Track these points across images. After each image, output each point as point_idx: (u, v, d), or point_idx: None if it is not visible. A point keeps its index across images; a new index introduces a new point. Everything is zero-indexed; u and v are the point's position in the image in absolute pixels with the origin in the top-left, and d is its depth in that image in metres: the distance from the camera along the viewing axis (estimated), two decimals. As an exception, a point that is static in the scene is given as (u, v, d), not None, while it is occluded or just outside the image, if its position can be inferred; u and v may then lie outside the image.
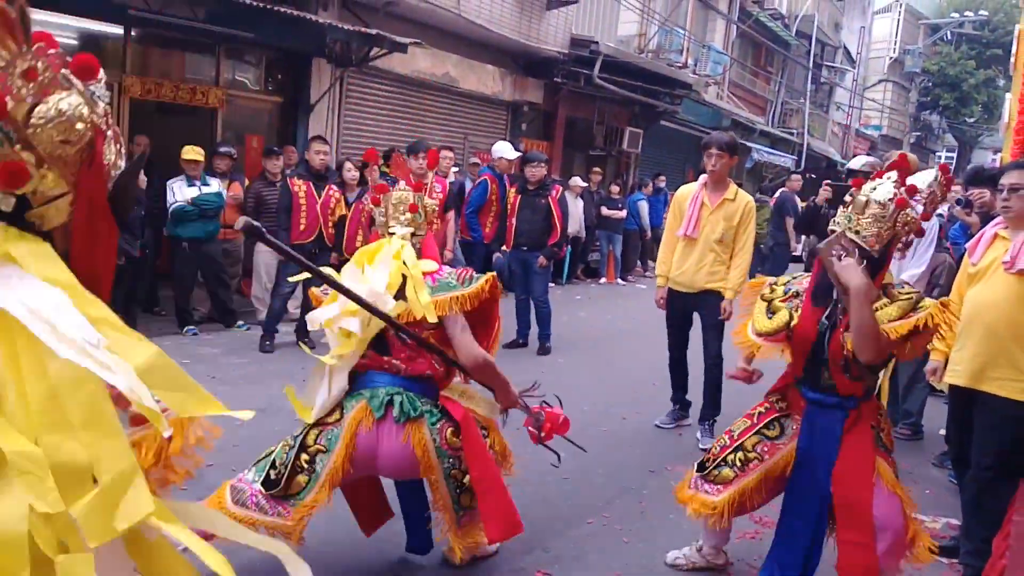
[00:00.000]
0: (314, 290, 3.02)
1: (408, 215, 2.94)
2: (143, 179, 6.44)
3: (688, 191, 4.91)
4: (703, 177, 4.86)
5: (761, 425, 3.03)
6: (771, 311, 2.95)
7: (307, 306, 4.61)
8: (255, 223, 2.27)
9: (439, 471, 2.78)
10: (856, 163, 5.38)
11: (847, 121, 29.55)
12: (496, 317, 3.08)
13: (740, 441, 3.02)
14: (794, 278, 3.09)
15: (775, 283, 3.06)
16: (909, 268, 4.56)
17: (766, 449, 2.97)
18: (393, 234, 2.92)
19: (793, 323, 2.85)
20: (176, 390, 1.12)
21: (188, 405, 1.13)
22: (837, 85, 28.21)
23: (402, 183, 3.01)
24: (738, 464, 2.98)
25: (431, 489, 2.86)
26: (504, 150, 7.73)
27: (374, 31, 8.69)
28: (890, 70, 32.52)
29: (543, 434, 3.08)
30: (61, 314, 1.05)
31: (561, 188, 7.32)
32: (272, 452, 2.78)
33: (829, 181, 5.18)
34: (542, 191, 6.86)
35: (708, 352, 4.91)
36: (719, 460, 3.02)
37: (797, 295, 2.94)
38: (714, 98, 18.43)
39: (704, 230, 4.74)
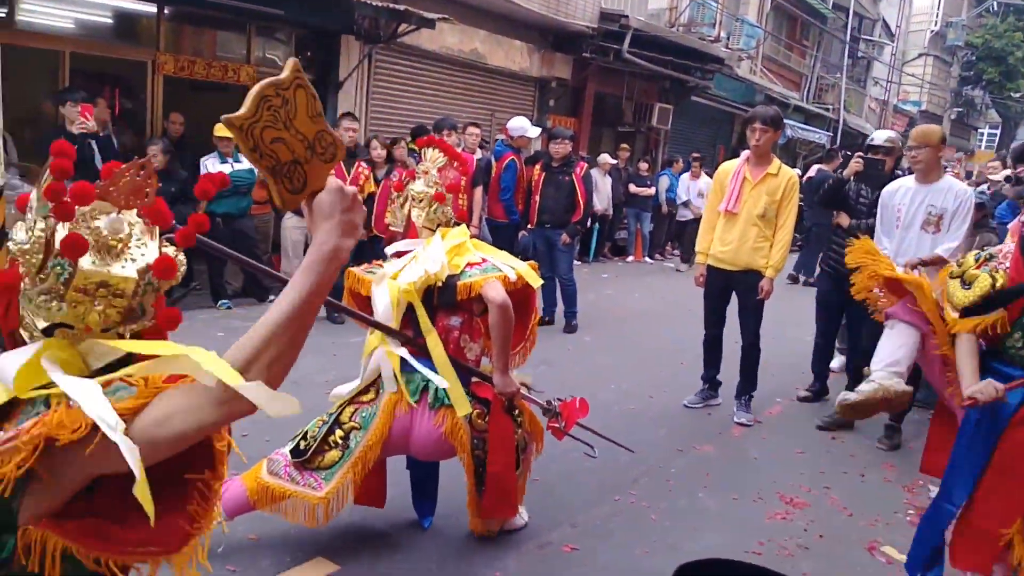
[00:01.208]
0: (354, 269, 3.01)
1: (435, 206, 2.96)
2: (160, 159, 6.45)
3: (730, 167, 4.88)
4: (746, 152, 4.83)
5: None
6: (966, 283, 2.77)
7: (338, 285, 4.62)
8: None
9: (468, 451, 2.84)
10: (878, 137, 5.27)
11: (885, 96, 28.88)
12: (533, 308, 3.09)
13: None
14: (983, 249, 2.95)
15: (960, 260, 2.92)
16: (944, 242, 4.49)
17: None
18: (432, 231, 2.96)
19: (999, 284, 2.67)
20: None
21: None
22: (875, 59, 27.52)
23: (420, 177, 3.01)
24: None
25: (462, 466, 2.90)
26: (525, 127, 7.47)
27: (402, 7, 8.65)
28: (931, 43, 31.62)
29: (564, 425, 3.07)
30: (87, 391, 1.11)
31: (586, 165, 7.20)
32: (306, 428, 2.84)
33: (861, 154, 5.10)
34: (566, 168, 6.80)
35: (746, 332, 4.89)
36: None
37: (991, 258, 2.78)
38: (747, 73, 18.10)
39: (746, 205, 4.69)
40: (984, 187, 7.55)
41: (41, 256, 1.20)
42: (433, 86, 10.77)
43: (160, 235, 1.30)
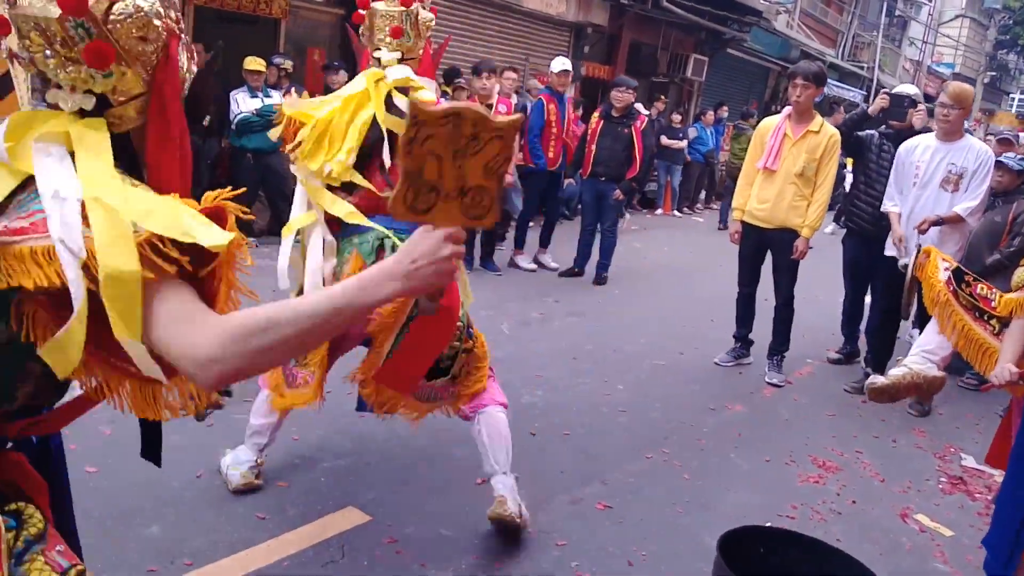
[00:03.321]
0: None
1: (393, 41, 2.64)
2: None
3: (771, 123, 4.77)
4: (787, 108, 4.70)
5: None
6: None
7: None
8: None
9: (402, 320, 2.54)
10: (907, 88, 5.28)
11: (920, 57, 28.11)
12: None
13: None
14: None
15: None
16: (963, 201, 4.39)
17: None
18: (379, 60, 2.64)
19: None
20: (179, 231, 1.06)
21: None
22: (911, 19, 26.72)
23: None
24: None
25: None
26: (556, 64, 7.11)
27: (439, -57, 8.40)
28: (969, 5, 30.67)
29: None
30: (66, 207, 1.05)
31: (646, 118, 6.89)
32: None
33: (886, 91, 5.07)
34: (626, 119, 6.61)
35: (780, 291, 4.82)
36: None
37: None
38: (784, 27, 17.61)
39: (785, 163, 4.59)
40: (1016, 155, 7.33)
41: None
42: (467, 28, 10.53)
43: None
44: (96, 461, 2.86)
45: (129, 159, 1.20)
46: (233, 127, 6.66)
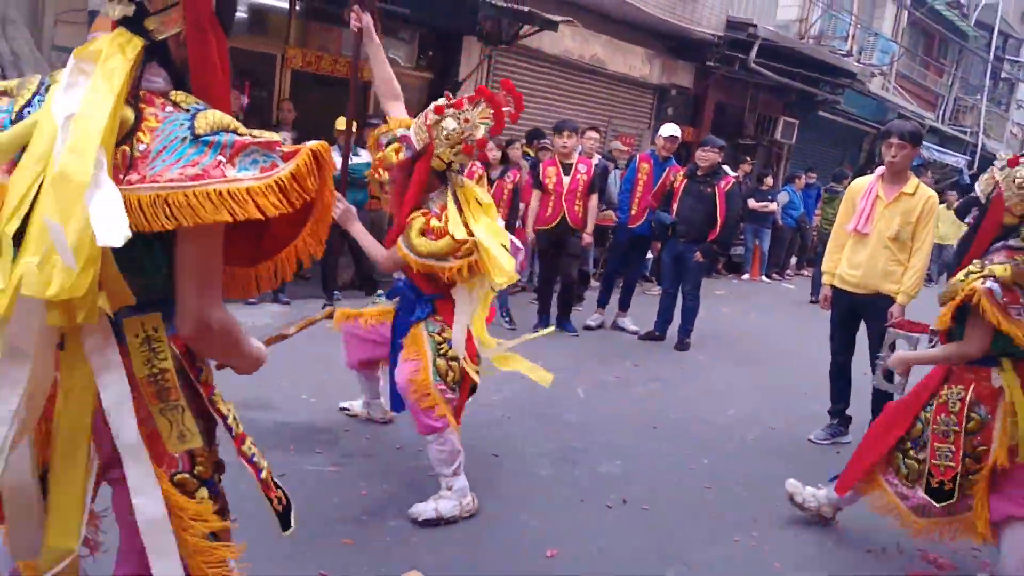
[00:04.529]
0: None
1: (457, 150, 3.03)
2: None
3: (862, 184, 4.52)
4: (880, 168, 4.46)
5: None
6: None
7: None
8: None
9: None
10: None
11: (1029, 121, 26.86)
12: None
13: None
14: None
15: None
16: None
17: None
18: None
19: None
20: None
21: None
22: (1020, 80, 25.64)
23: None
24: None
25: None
26: (665, 129, 7.00)
27: (526, 8, 8.54)
28: (1082, 65, 29.26)
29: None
30: (78, 126, 1.22)
31: (733, 180, 6.65)
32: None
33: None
34: (710, 178, 6.42)
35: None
36: None
37: None
38: (879, 89, 17.14)
39: (877, 226, 4.33)
40: None
41: None
42: (550, 90, 10.64)
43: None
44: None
45: (169, 65, 1.37)
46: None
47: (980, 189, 3.00)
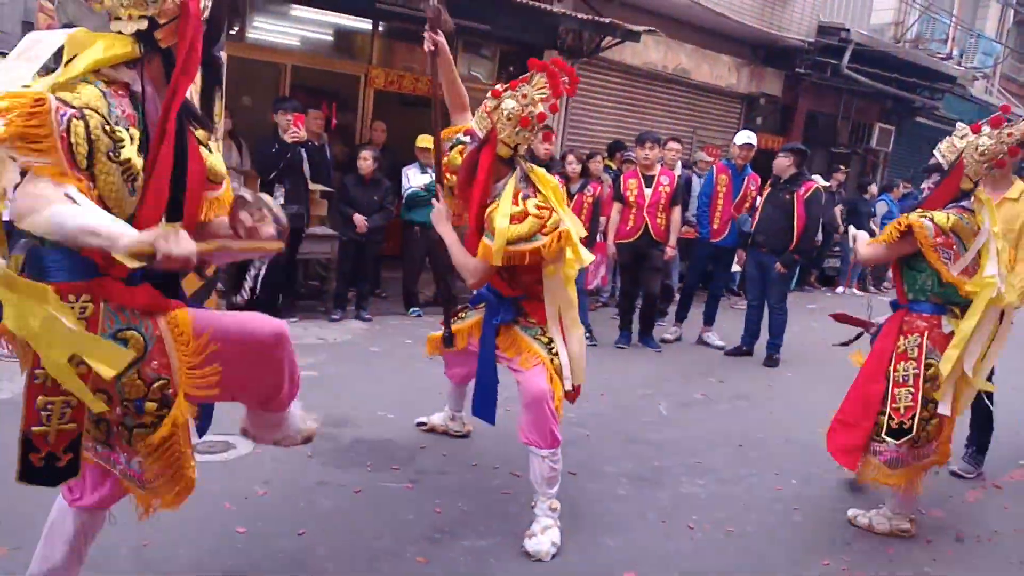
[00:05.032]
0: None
1: (518, 129, 2.94)
2: (369, 163, 6.62)
3: None
4: None
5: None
6: None
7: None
8: None
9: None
10: None
11: None
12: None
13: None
14: None
15: None
16: None
17: None
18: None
19: None
20: None
21: None
22: None
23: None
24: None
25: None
26: (739, 137, 6.88)
27: (607, 20, 8.49)
28: None
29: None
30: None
31: (814, 186, 6.34)
32: None
33: None
34: (789, 185, 6.20)
35: None
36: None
37: None
38: (982, 93, 16.27)
39: None
40: None
41: None
42: (633, 101, 10.53)
43: None
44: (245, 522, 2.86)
45: (171, 66, 1.85)
46: (403, 201, 6.92)
47: (942, 157, 3.30)
